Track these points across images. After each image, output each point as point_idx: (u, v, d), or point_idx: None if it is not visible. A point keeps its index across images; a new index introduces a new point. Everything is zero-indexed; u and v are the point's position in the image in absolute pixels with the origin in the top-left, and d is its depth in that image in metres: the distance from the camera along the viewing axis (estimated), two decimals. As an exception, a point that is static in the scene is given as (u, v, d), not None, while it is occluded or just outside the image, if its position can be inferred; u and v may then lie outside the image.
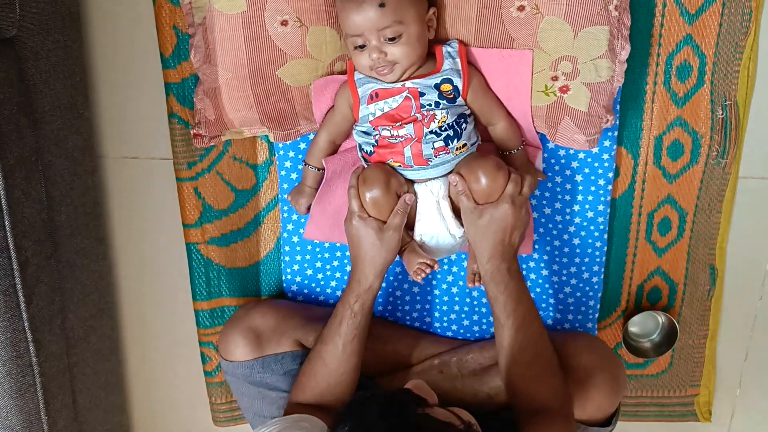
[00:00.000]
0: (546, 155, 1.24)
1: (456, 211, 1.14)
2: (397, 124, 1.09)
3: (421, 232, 1.15)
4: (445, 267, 1.32)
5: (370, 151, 1.13)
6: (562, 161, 1.24)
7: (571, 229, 1.28)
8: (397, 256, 1.15)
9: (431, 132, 1.09)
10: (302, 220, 1.31)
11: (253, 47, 1.13)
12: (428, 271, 1.12)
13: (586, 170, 1.24)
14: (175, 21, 1.19)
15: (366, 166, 1.15)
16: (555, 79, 1.12)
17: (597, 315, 1.35)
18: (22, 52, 1.13)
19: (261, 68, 1.15)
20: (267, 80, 1.16)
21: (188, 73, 1.22)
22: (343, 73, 1.17)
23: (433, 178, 1.13)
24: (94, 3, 1.32)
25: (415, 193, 1.14)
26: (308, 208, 1.24)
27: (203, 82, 1.17)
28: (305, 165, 1.22)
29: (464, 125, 1.11)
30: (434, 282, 1.34)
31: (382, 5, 1.02)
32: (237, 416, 1.46)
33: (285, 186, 1.28)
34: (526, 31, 1.10)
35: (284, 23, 1.11)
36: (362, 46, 1.06)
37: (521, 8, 1.09)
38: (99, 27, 1.33)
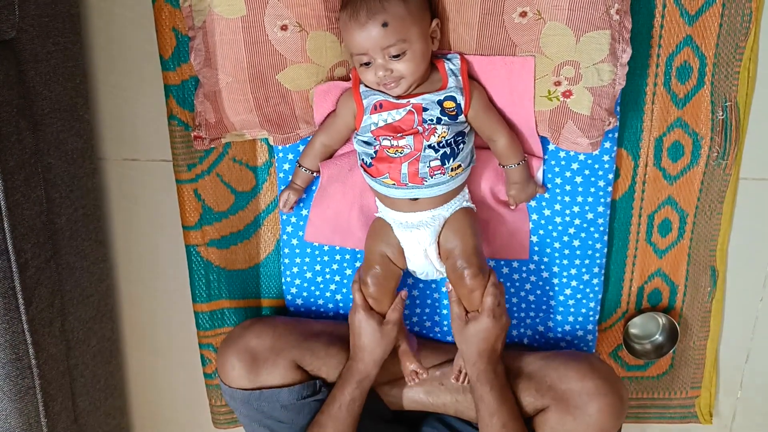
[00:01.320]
0: (546, 157, 1.23)
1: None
2: (398, 134, 1.10)
3: (412, 269, 1.22)
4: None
5: (369, 162, 1.14)
6: (562, 163, 1.24)
7: (571, 230, 1.28)
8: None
9: (430, 146, 1.10)
10: (301, 223, 1.30)
11: (253, 51, 1.13)
12: (417, 379, 1.24)
13: (586, 172, 1.24)
14: (175, 23, 1.19)
15: (365, 175, 1.17)
16: (558, 84, 1.12)
17: (597, 317, 1.35)
18: (22, 54, 1.13)
19: (261, 72, 1.15)
20: (267, 84, 1.16)
21: (188, 75, 1.22)
22: (344, 78, 1.17)
23: (419, 228, 1.16)
24: (93, 5, 1.32)
25: (398, 241, 1.18)
26: (285, 203, 1.25)
27: (203, 85, 1.17)
28: (298, 165, 1.23)
29: (461, 145, 1.12)
30: (434, 285, 1.34)
31: (385, 24, 1.03)
32: (237, 418, 1.45)
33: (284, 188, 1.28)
34: (529, 37, 1.10)
35: (284, 28, 1.11)
36: (368, 64, 1.07)
37: (523, 14, 1.09)
38: (99, 29, 1.33)
